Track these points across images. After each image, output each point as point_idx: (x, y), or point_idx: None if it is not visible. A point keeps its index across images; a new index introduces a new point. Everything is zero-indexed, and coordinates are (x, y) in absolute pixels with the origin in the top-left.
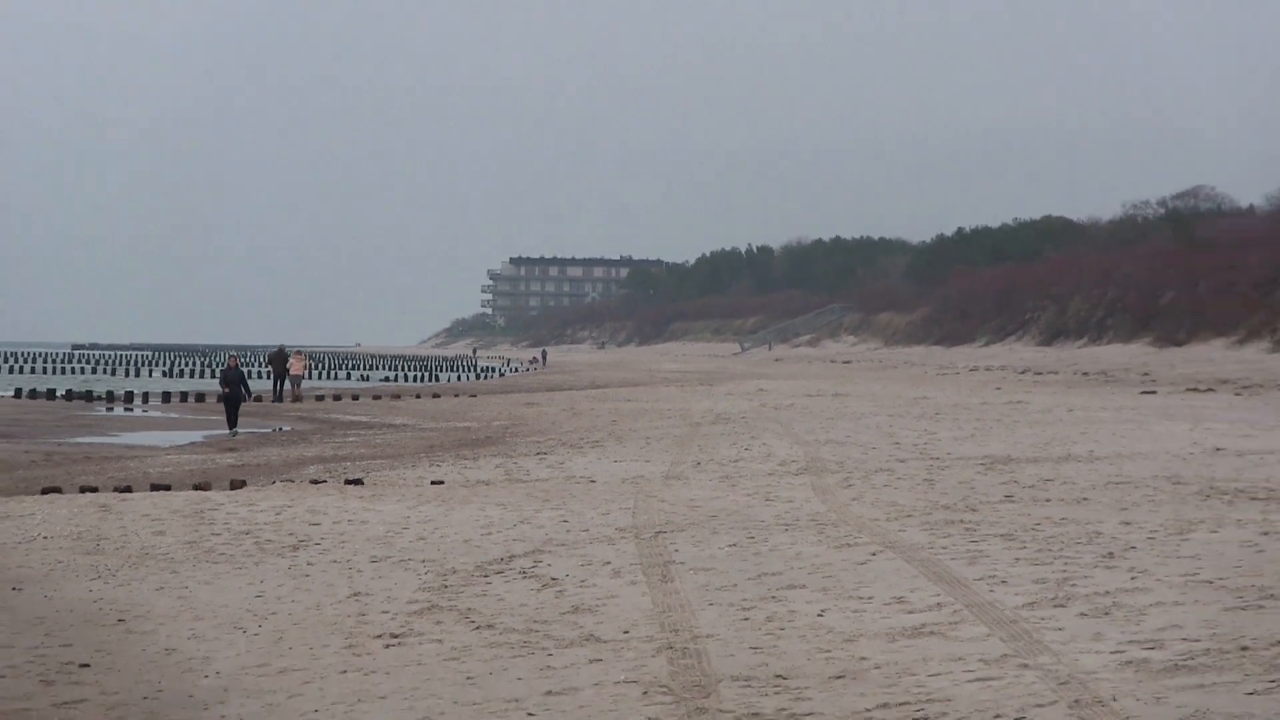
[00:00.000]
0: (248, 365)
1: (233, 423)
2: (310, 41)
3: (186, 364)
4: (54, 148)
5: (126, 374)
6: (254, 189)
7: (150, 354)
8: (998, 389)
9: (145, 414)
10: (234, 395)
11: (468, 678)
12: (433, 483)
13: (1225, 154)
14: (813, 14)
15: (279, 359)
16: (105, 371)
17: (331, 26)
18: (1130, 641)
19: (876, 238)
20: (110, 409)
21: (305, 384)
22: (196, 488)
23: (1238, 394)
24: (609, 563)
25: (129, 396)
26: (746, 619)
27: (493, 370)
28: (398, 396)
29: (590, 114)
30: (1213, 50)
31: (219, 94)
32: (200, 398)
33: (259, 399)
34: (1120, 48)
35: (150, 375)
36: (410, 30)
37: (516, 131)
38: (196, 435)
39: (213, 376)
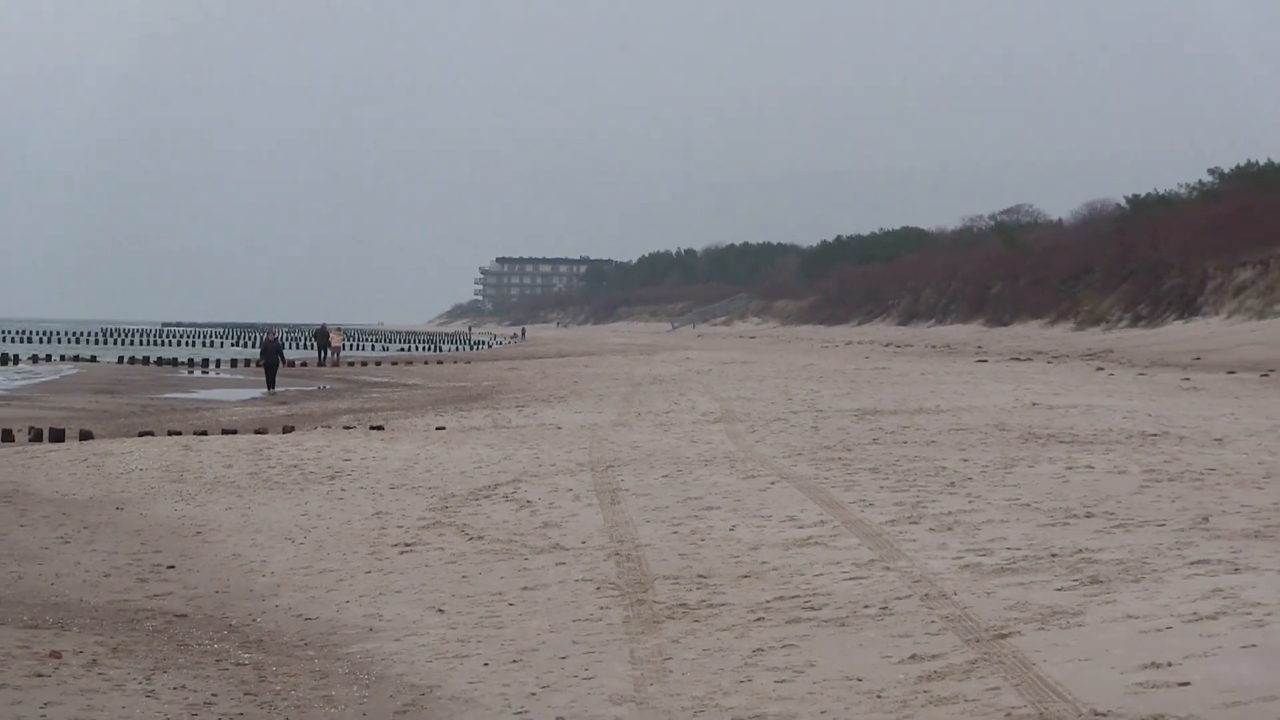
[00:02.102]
0: (291, 339)
1: (271, 384)
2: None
3: (249, 337)
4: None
5: (203, 345)
6: (306, 202)
7: (222, 330)
8: (867, 358)
9: (217, 376)
10: (271, 363)
11: (463, 576)
12: (437, 428)
13: (1041, 178)
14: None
15: (322, 334)
16: (187, 343)
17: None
18: (967, 550)
19: (775, 243)
20: (190, 372)
21: (341, 354)
22: (256, 432)
23: (1049, 362)
24: (571, 490)
25: (205, 363)
26: (675, 532)
27: (483, 343)
28: (410, 363)
29: (561, 143)
30: (1033, 94)
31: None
32: (285, 361)
33: (305, 364)
34: (956, 100)
35: (221, 346)
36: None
37: (502, 158)
38: (256, 392)
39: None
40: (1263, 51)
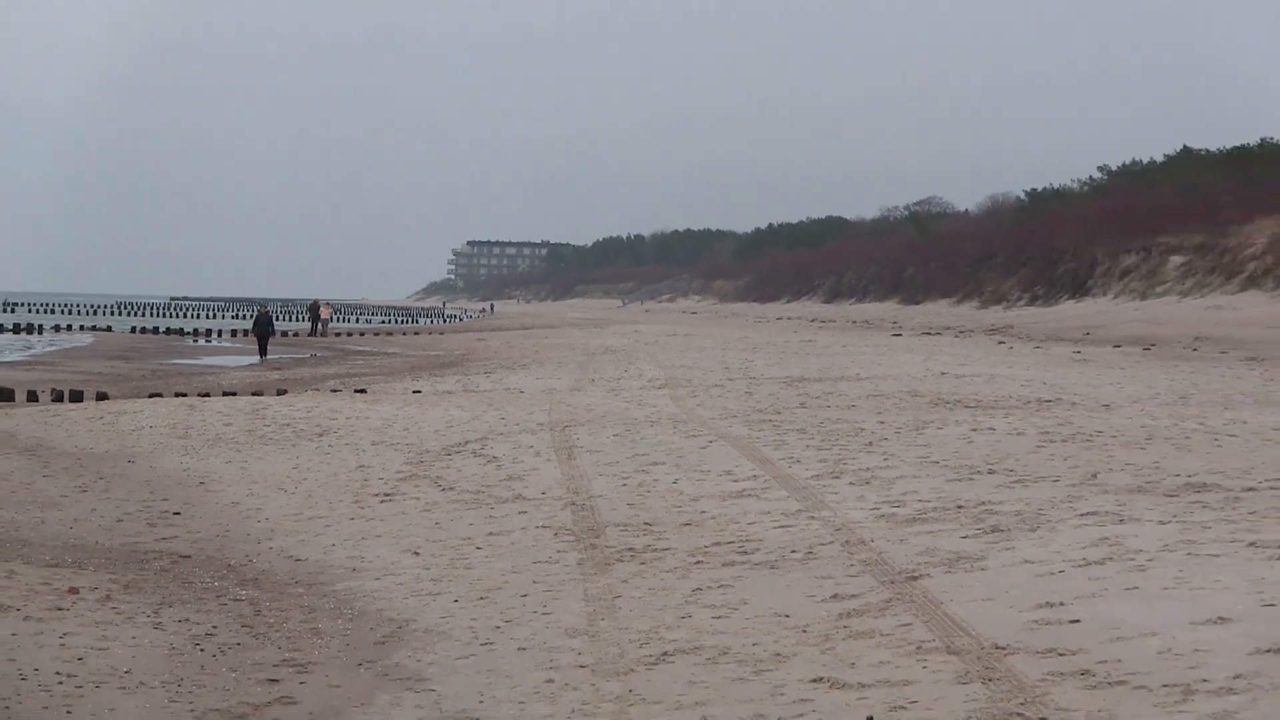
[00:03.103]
0: (286, 313)
1: (262, 353)
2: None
3: (248, 310)
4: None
5: (207, 317)
6: (300, 192)
7: (224, 303)
8: (795, 332)
9: (219, 345)
10: (263, 334)
11: (436, 523)
12: (414, 392)
13: (950, 175)
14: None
15: (314, 308)
16: (192, 315)
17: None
18: (883, 501)
19: (715, 229)
20: (195, 341)
21: (330, 326)
22: (253, 394)
23: (956, 337)
24: (532, 447)
25: (208, 333)
26: (624, 485)
27: (455, 317)
28: (390, 334)
29: (525, 140)
30: (943, 105)
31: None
32: (275, 332)
33: (297, 335)
34: (875, 110)
35: (223, 318)
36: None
37: (474, 152)
38: (254, 360)
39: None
40: (1146, 62)
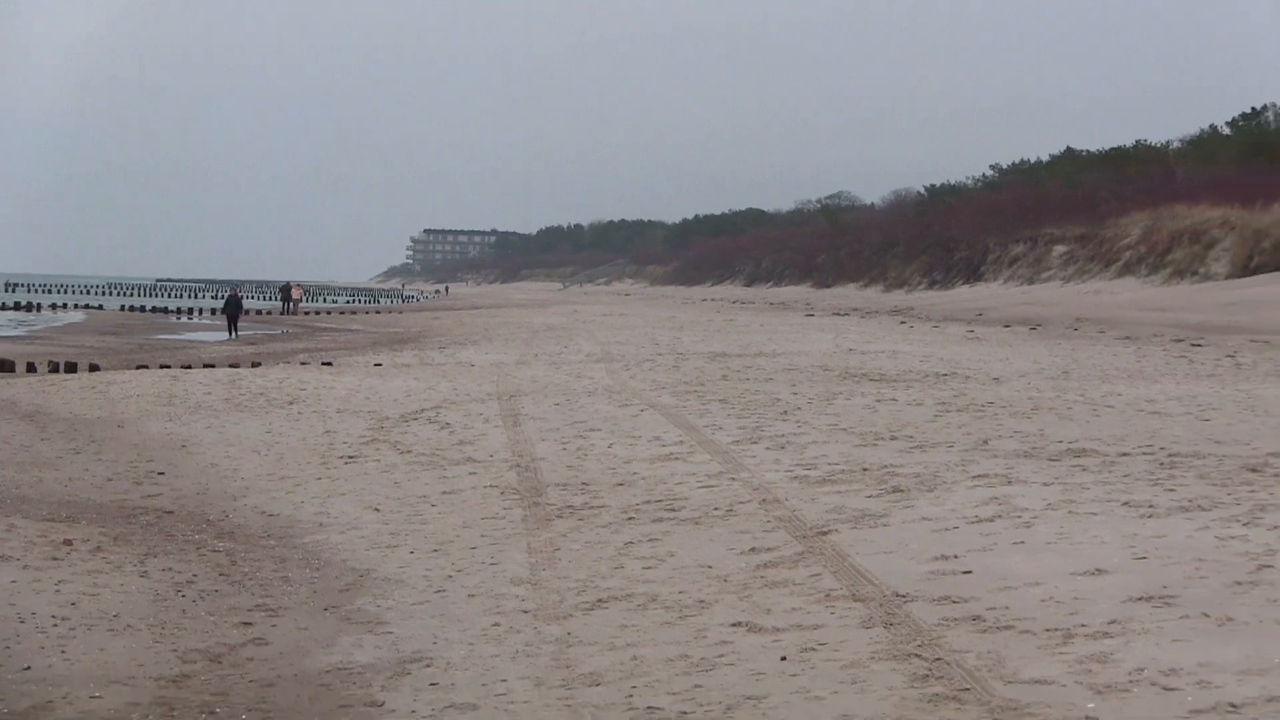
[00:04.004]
0: (260, 293)
1: (231, 331)
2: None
3: (226, 290)
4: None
5: (190, 297)
6: (275, 181)
7: (204, 284)
8: (718, 312)
9: (199, 322)
10: (233, 314)
11: (395, 482)
12: (375, 365)
13: (857, 172)
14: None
15: (286, 289)
16: (176, 295)
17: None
18: (796, 464)
19: (647, 220)
20: (178, 319)
21: (300, 305)
22: (230, 366)
23: (863, 317)
24: (481, 414)
25: (190, 311)
26: (564, 449)
27: (413, 298)
28: (354, 313)
29: (475, 136)
30: (854, 106)
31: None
32: (245, 311)
33: (270, 313)
34: (788, 119)
35: (203, 298)
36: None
37: (430, 147)
38: (231, 335)
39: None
40: (1035, 69)
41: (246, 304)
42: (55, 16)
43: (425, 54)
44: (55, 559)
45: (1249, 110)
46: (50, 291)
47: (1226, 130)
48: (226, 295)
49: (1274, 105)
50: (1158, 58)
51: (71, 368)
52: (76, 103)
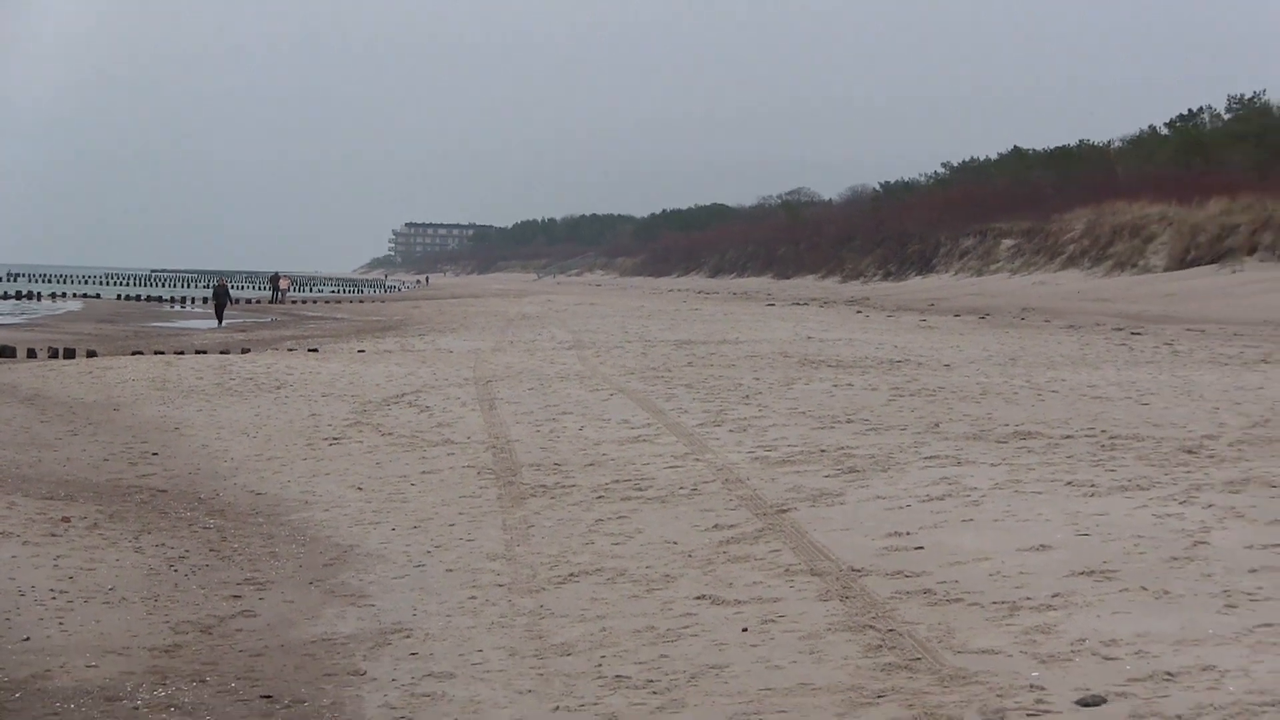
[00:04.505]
0: (251, 283)
1: (219, 319)
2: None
3: (215, 281)
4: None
5: (183, 286)
6: (263, 175)
7: (196, 275)
8: (684, 302)
9: (192, 310)
10: (220, 303)
11: (377, 463)
12: (359, 351)
13: (816, 169)
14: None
15: (275, 279)
16: (170, 285)
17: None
18: (758, 446)
19: (617, 214)
20: (172, 307)
21: (288, 294)
22: (221, 353)
23: (821, 307)
24: (459, 398)
25: (183, 300)
26: (538, 431)
27: (395, 288)
28: (339, 302)
29: (454, 135)
30: (813, 105)
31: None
32: (232, 301)
33: (260, 302)
34: (751, 115)
35: (196, 288)
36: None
37: (411, 144)
38: (219, 324)
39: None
40: (980, 74)
41: (237, 294)
42: (50, 13)
43: (406, 54)
44: (54, 535)
45: (1186, 112)
46: (50, 281)
47: (1165, 131)
48: (214, 286)
49: (1209, 107)
50: (1101, 62)
51: (70, 354)
52: (73, 99)
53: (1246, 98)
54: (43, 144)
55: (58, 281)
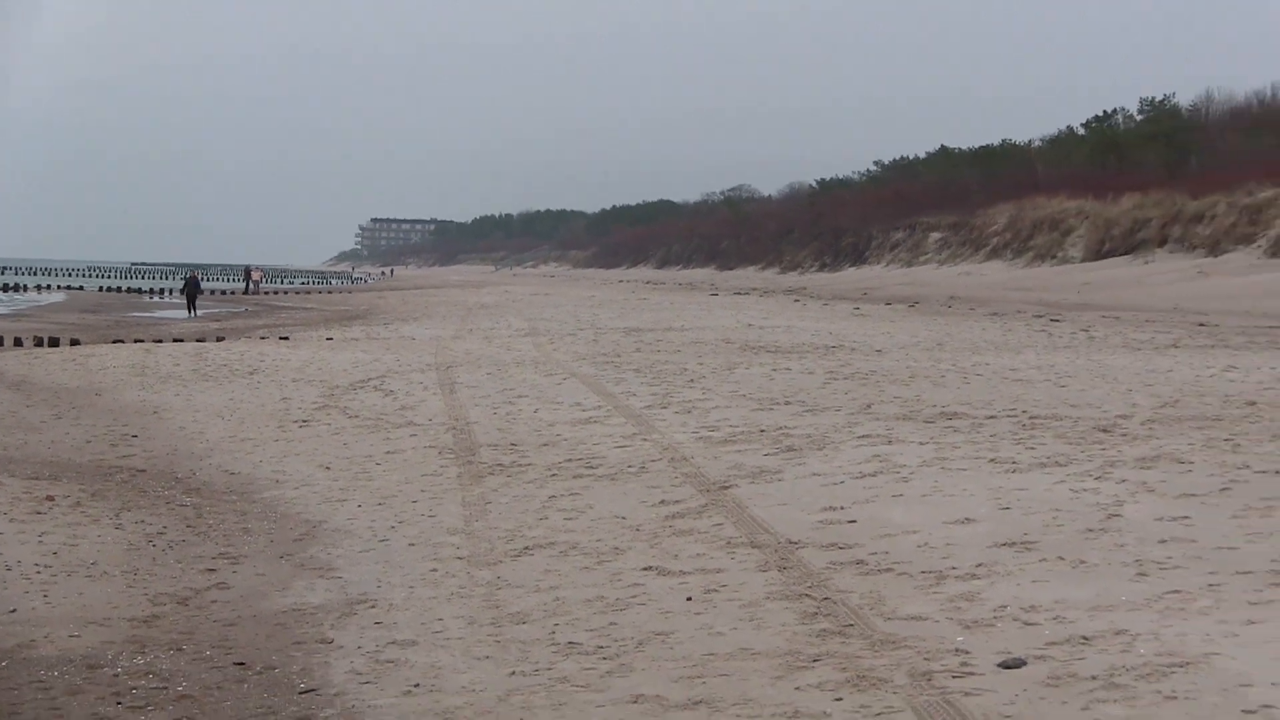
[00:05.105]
0: (222, 275)
1: (190, 310)
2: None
3: (189, 272)
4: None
5: (161, 279)
6: (236, 170)
7: (174, 267)
8: (633, 292)
9: (170, 301)
10: (191, 294)
11: (344, 444)
12: (327, 339)
13: (757, 167)
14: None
15: (248, 271)
16: (149, 277)
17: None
18: (701, 427)
19: (570, 209)
20: (151, 298)
21: (261, 286)
22: (197, 341)
23: (761, 296)
24: (422, 383)
25: (161, 292)
26: (495, 413)
27: (361, 279)
28: (309, 293)
29: (415, 133)
30: (753, 106)
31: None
32: (202, 292)
33: (233, 293)
34: (695, 117)
35: (174, 280)
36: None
37: (376, 143)
38: (199, 312)
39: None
40: (910, 80)
41: (212, 285)
42: (33, 21)
43: (371, 62)
44: (39, 513)
45: (1101, 114)
46: (35, 274)
47: (1081, 131)
48: (186, 278)
49: (1123, 110)
50: (1022, 67)
51: (54, 342)
52: (53, 101)
53: (1157, 100)
54: (23, 141)
55: (43, 274)
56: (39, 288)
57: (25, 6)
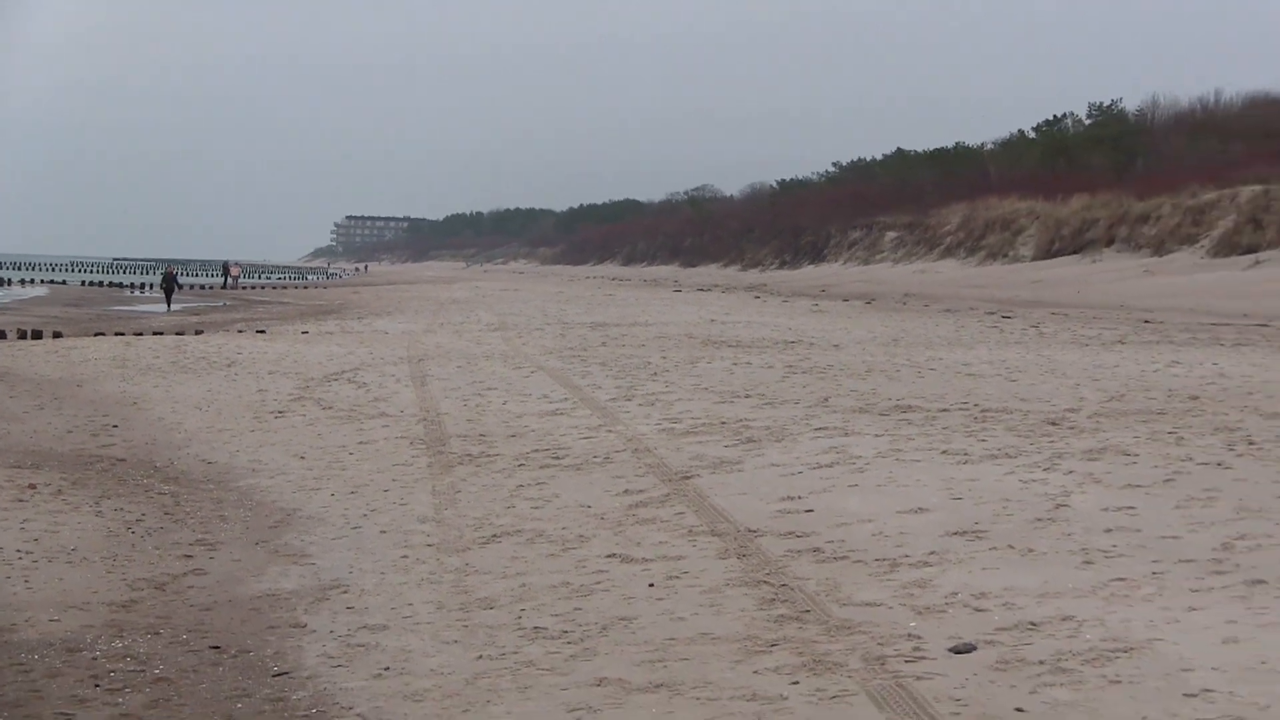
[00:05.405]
0: (201, 271)
1: (168, 304)
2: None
3: (176, 269)
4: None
5: (142, 273)
6: (215, 169)
7: (155, 263)
8: (599, 288)
9: (150, 295)
10: (168, 289)
11: (318, 434)
12: (302, 332)
13: (721, 165)
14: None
15: (226, 267)
16: (130, 272)
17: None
18: (664, 419)
19: (539, 208)
20: (132, 293)
21: (239, 281)
22: (176, 334)
23: (723, 293)
24: (394, 375)
25: (142, 286)
26: (465, 405)
27: (336, 275)
28: (285, 288)
29: (393, 135)
30: (716, 110)
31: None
32: (179, 287)
33: (212, 288)
34: (661, 122)
35: (155, 275)
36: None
37: (351, 143)
38: (178, 306)
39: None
40: (865, 81)
41: (192, 280)
42: (18, 29)
43: (345, 62)
44: (21, 501)
45: (1051, 118)
46: (18, 269)
47: (1032, 134)
48: (163, 273)
49: (1072, 114)
50: (975, 72)
51: (37, 335)
52: (37, 101)
53: (1105, 105)
54: (7, 142)
55: (26, 269)
56: (22, 282)
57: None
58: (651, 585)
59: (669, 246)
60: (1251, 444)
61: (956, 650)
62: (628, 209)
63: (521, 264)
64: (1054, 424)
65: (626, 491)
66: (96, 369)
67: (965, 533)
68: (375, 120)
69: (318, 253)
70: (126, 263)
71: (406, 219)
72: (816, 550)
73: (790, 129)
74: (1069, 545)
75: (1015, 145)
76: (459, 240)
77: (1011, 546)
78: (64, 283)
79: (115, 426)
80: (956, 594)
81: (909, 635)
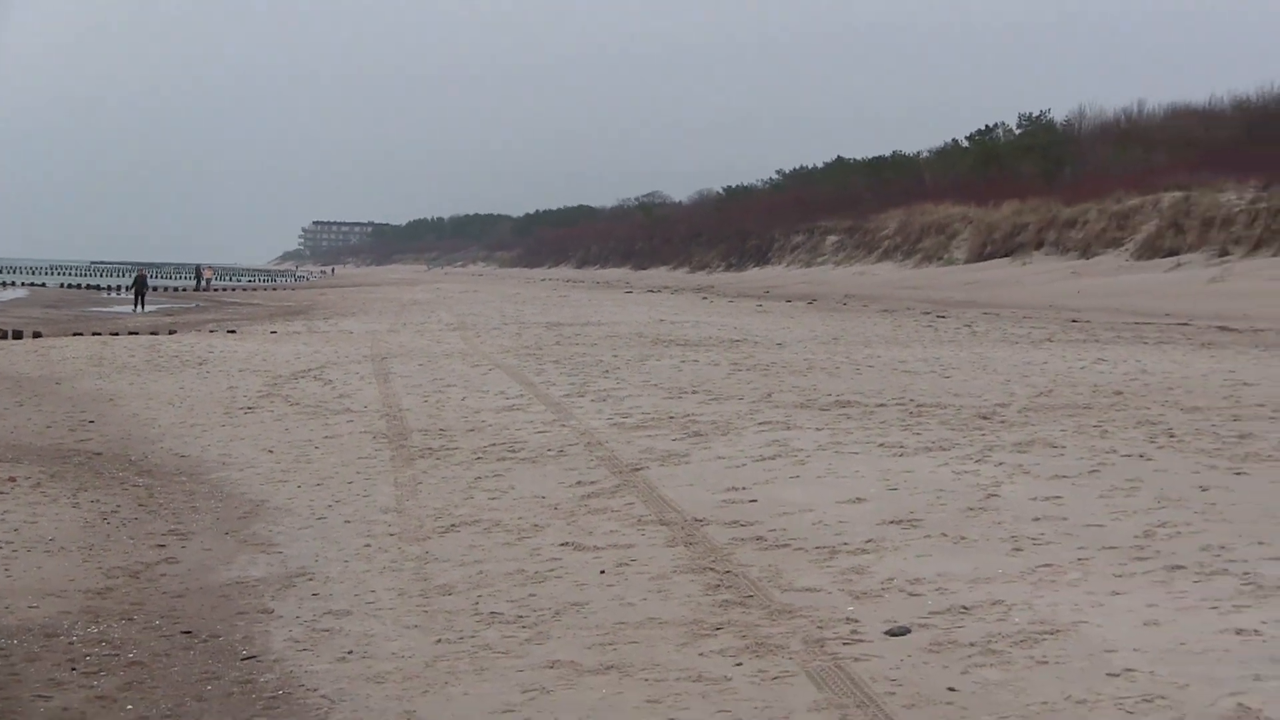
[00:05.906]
0: (175, 273)
1: (138, 305)
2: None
3: (150, 271)
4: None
5: (119, 276)
6: (188, 175)
7: (131, 266)
8: (554, 290)
9: (126, 297)
10: (140, 290)
11: (286, 429)
12: (271, 332)
13: (670, 172)
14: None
15: (198, 270)
16: (108, 275)
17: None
18: (615, 414)
19: (497, 213)
20: (109, 294)
21: (211, 283)
22: (151, 334)
23: (672, 294)
24: (358, 373)
25: (118, 288)
26: (426, 401)
27: (304, 277)
28: (255, 290)
29: (357, 142)
30: (663, 119)
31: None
32: (153, 289)
33: (185, 290)
34: (617, 129)
35: (130, 278)
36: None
37: (317, 150)
38: (152, 308)
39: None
40: (806, 89)
41: (166, 283)
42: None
43: (310, 71)
44: (1, 493)
45: (983, 127)
46: (1, 271)
47: (965, 143)
48: (135, 275)
49: (1003, 124)
50: (910, 83)
51: (17, 335)
52: (18, 113)
53: (1034, 115)
54: None
55: (6, 271)
56: (3, 284)
57: None
58: (602, 572)
59: (621, 250)
60: (1172, 436)
61: (892, 633)
62: (581, 214)
63: (480, 267)
64: (985, 418)
65: (579, 483)
66: (75, 367)
67: (901, 521)
68: (341, 129)
69: (286, 256)
70: (104, 266)
71: (371, 224)
72: (759, 538)
73: (736, 138)
74: (999, 533)
75: (949, 154)
76: (421, 244)
77: (945, 534)
78: (44, 285)
79: (92, 422)
80: (892, 580)
81: (847, 619)
